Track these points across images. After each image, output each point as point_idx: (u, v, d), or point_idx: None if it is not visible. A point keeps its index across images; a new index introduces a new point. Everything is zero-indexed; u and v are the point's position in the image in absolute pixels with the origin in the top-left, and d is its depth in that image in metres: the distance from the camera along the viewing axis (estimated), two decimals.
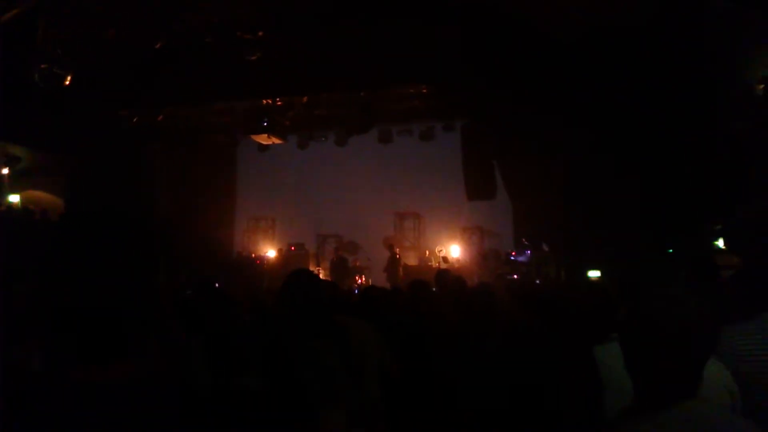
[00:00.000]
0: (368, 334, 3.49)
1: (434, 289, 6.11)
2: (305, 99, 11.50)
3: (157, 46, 7.96)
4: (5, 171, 11.82)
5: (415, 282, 4.99)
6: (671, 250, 8.54)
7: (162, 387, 1.27)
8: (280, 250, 14.88)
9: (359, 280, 13.47)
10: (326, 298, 3.04)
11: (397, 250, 13.90)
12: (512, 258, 12.13)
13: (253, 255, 14.95)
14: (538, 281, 10.40)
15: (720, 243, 9.16)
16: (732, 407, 2.08)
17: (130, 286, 1.27)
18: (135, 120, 11.40)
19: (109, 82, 9.20)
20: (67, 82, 7.99)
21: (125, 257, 1.28)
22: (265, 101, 11.56)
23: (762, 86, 7.96)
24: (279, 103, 11.61)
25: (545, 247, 11.13)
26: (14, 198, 11.72)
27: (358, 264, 14.24)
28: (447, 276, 6.02)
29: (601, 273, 8.72)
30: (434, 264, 13.66)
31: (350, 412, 2.01)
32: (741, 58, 8.13)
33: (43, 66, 7.85)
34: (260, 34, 8.26)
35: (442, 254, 13.89)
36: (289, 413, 1.92)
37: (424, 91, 11.05)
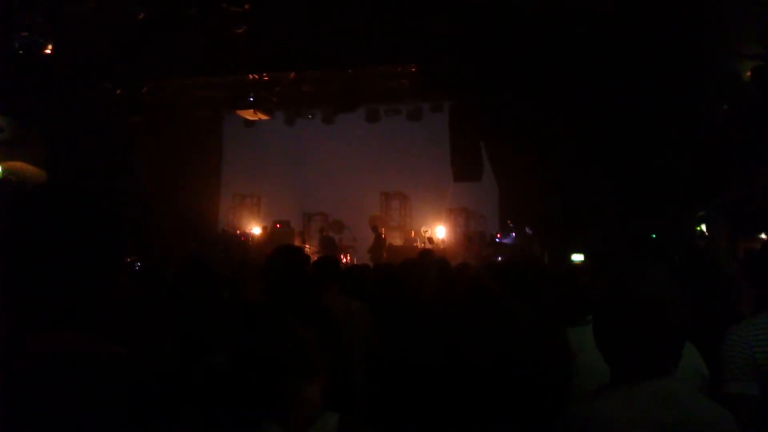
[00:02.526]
0: (360, 315, 3.48)
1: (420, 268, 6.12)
2: (292, 75, 11.37)
3: (140, 16, 7.80)
4: None
5: (406, 262, 5.04)
6: (654, 236, 8.61)
7: (126, 361, 1.25)
8: (265, 228, 14.82)
9: (344, 259, 13.47)
10: (309, 275, 3.03)
11: (383, 230, 13.90)
12: (497, 240, 12.18)
13: (238, 231, 14.88)
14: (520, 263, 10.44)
15: (703, 228, 9.26)
16: (701, 388, 2.10)
17: (93, 258, 1.24)
18: (118, 92, 11.21)
19: (91, 53, 9.02)
20: (48, 51, 7.82)
21: (89, 231, 1.24)
22: (251, 76, 11.41)
23: (749, 74, 7.97)
24: (266, 78, 11.47)
25: (528, 230, 11.18)
26: None
27: (343, 243, 14.23)
28: (430, 256, 6.04)
29: (585, 256, 8.77)
30: (419, 244, 13.68)
31: (325, 389, 1.99)
32: (728, 47, 8.14)
33: (23, 34, 7.67)
34: (246, 6, 8.12)
35: (427, 235, 13.91)
36: (260, 389, 1.91)
37: (413, 70, 10.96)
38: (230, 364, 2.23)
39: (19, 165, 11.98)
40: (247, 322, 2.60)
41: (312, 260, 3.62)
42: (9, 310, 1.19)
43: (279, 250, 3.02)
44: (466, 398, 1.96)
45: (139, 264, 5.94)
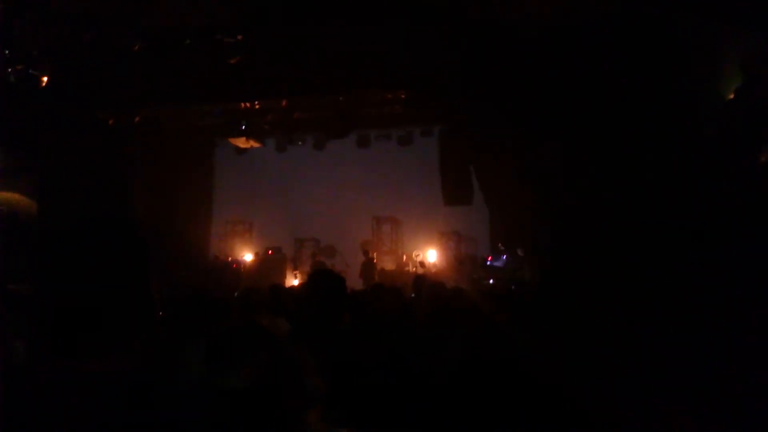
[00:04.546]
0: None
1: (412, 294, 6.18)
2: (284, 103, 11.52)
3: (136, 48, 7.92)
4: None
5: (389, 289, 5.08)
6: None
7: (149, 383, 1.31)
8: (257, 254, 14.82)
9: None
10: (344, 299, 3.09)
11: (374, 254, 13.95)
12: (488, 263, 12.26)
13: (230, 259, 14.87)
14: (513, 286, 10.53)
15: None
16: None
17: (121, 285, 1.31)
18: (111, 121, 11.29)
19: (85, 82, 9.12)
20: (44, 83, 7.91)
21: (117, 259, 1.32)
22: (243, 104, 11.54)
23: (733, 96, 8.18)
24: (257, 106, 11.60)
25: (520, 252, 11.26)
26: None
27: (335, 268, 14.25)
28: (424, 281, 6.10)
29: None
30: (411, 269, 13.73)
31: (325, 415, 2.06)
32: (714, 68, 8.35)
33: (18, 67, 7.76)
34: (239, 37, 8.27)
35: (419, 259, 13.97)
36: (278, 412, 1.97)
37: (403, 96, 11.13)
38: (252, 386, 2.29)
39: (9, 196, 11.98)
40: (257, 347, 2.66)
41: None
42: (44, 335, 1.26)
43: (319, 275, 3.09)
44: (464, 419, 2.03)
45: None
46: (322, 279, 3.03)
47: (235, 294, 7.79)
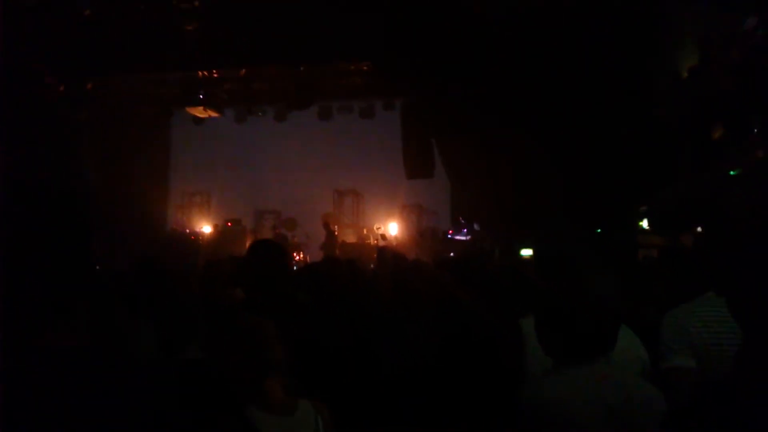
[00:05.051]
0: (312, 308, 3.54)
1: (372, 266, 6.19)
2: (243, 72, 11.27)
3: (86, 12, 7.60)
4: None
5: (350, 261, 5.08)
6: (599, 230, 8.92)
7: (98, 359, 1.27)
8: (216, 226, 14.63)
9: (297, 257, 13.43)
10: (288, 269, 3.08)
11: (335, 226, 13.92)
12: (449, 237, 12.37)
13: (188, 230, 14.65)
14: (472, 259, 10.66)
15: (644, 224, 9.64)
16: (642, 372, 2.28)
17: (62, 260, 1.26)
18: (62, 89, 10.88)
19: (34, 48, 8.74)
20: None
21: (57, 230, 1.26)
22: (201, 73, 11.25)
23: (687, 74, 8.36)
24: (215, 75, 11.33)
25: (476, 227, 11.40)
26: None
27: (296, 240, 14.19)
28: (386, 253, 6.12)
29: (533, 252, 9.02)
30: (372, 241, 13.77)
31: (286, 381, 2.09)
32: (668, 47, 8.51)
33: None
34: (196, 3, 8.02)
35: (380, 232, 14.01)
36: (233, 381, 1.98)
37: (365, 68, 11.02)
38: (205, 358, 2.29)
39: None
40: (218, 319, 2.64)
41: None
42: None
43: (258, 244, 3.07)
44: (425, 388, 2.06)
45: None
46: (260, 248, 3.01)
47: (191, 265, 7.70)
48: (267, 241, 2.99)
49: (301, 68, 10.96)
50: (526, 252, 9.16)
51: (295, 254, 13.48)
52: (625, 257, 6.65)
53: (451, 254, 11.39)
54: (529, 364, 2.08)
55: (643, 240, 9.14)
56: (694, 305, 2.56)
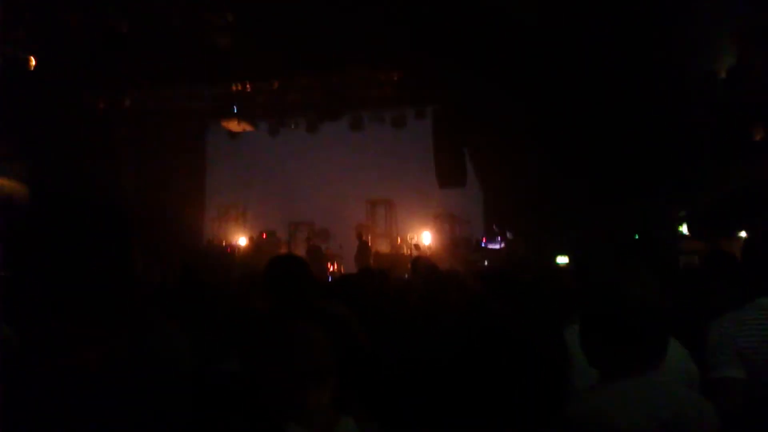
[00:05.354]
0: (350, 319, 3.52)
1: (406, 276, 6.16)
2: (276, 84, 11.40)
3: (124, 30, 7.79)
4: None
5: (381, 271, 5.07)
6: (637, 236, 8.73)
7: (141, 372, 1.27)
8: (251, 238, 14.77)
9: (331, 267, 13.47)
10: (314, 283, 3.08)
11: (368, 237, 13.92)
12: (483, 245, 12.26)
13: (224, 243, 14.82)
14: (507, 268, 10.53)
15: (684, 229, 9.41)
16: (690, 384, 2.18)
17: (104, 272, 1.26)
18: (101, 105, 11.16)
19: (74, 65, 8.98)
20: (32, 65, 7.78)
21: (98, 244, 1.27)
22: (235, 87, 11.42)
23: (725, 74, 8.15)
24: (249, 89, 11.48)
25: (509, 235, 11.27)
26: None
27: (330, 251, 14.23)
28: (421, 263, 6.10)
29: (569, 259, 8.88)
30: (406, 251, 13.72)
31: (335, 393, 2.02)
32: (705, 47, 8.31)
33: (6, 48, 7.62)
34: (230, 18, 8.14)
35: (413, 241, 13.95)
36: (273, 394, 1.93)
37: (396, 77, 11.04)
38: (244, 370, 2.26)
39: (5, 182, 11.82)
40: (256, 329, 2.64)
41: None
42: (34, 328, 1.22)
43: (279, 258, 3.09)
44: (464, 401, 2.00)
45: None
46: (279, 263, 3.03)
47: (228, 277, 7.76)
48: (286, 255, 3.04)
49: (333, 79, 11.03)
50: (562, 259, 9.02)
51: (329, 265, 13.52)
52: (666, 264, 6.47)
53: (485, 263, 11.27)
54: (573, 377, 2.02)
55: (684, 246, 8.92)
56: (743, 313, 2.45)
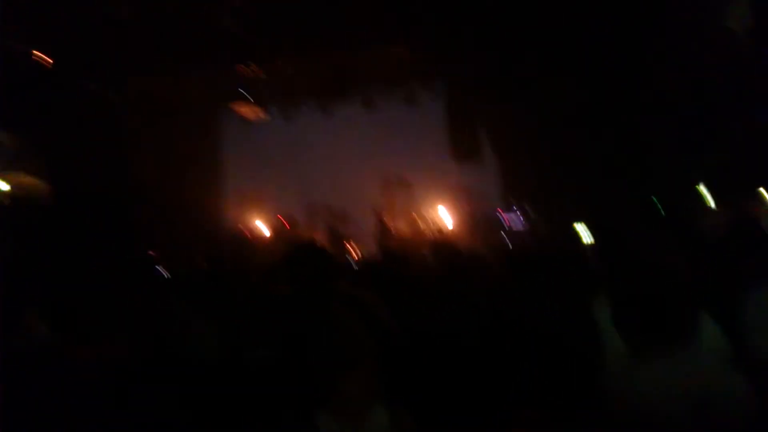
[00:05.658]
0: (377, 303, 3.47)
1: (428, 257, 6.09)
2: (286, 67, 11.31)
3: (124, 15, 7.70)
4: None
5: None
6: (654, 198, 8.54)
7: (163, 364, 1.23)
8: (269, 223, 14.77)
9: (352, 251, 13.42)
10: (334, 268, 3.06)
11: (387, 218, 13.83)
12: (502, 221, 12.08)
13: (243, 229, 14.83)
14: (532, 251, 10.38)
15: (702, 188, 9.19)
16: (722, 360, 2.09)
17: (125, 265, 1.21)
18: (109, 94, 11.14)
19: (83, 55, 8.95)
20: (49, 64, 7.75)
21: (116, 234, 1.22)
22: (245, 71, 11.35)
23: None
24: (260, 72, 11.41)
25: (528, 209, 11.14)
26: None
27: (349, 233, 14.16)
28: (443, 244, 6.03)
29: (591, 232, 8.74)
30: (426, 232, 13.60)
31: (372, 378, 1.94)
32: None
33: (12, 43, 7.60)
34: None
35: (433, 221, 13.81)
36: (308, 381, 1.87)
37: (406, 52, 10.89)
38: (279, 356, 2.21)
39: (24, 179, 11.91)
40: (283, 317, 2.60)
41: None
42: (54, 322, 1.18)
43: (300, 244, 3.10)
44: (492, 387, 1.94)
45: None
46: (300, 249, 3.03)
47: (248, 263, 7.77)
48: (307, 241, 3.02)
49: (342, 54, 10.90)
50: (580, 227, 8.87)
51: (349, 247, 13.47)
52: (690, 235, 6.30)
53: (509, 244, 11.09)
54: (606, 356, 1.94)
55: (707, 218, 8.71)
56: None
